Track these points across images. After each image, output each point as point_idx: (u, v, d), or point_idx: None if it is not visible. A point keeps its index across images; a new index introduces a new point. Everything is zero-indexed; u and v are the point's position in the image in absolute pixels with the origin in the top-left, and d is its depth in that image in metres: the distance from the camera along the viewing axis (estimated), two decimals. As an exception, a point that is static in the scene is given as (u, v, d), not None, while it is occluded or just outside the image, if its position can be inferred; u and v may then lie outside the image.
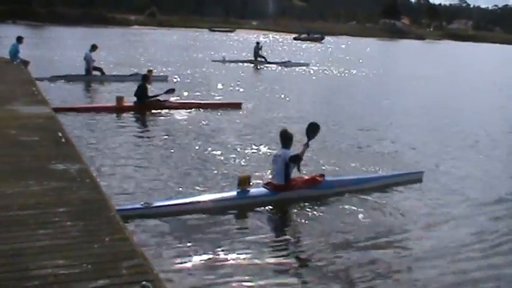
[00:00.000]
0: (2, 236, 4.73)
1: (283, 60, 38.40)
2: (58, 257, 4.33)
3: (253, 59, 36.86)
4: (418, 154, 13.19)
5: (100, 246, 4.60)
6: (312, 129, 9.57)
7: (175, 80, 24.98)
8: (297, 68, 35.70)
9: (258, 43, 38.02)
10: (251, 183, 8.95)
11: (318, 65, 39.68)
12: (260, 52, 36.95)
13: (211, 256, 6.76)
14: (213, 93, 21.81)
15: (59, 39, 55.33)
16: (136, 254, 4.48)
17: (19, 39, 22.65)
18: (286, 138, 9.23)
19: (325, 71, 35.74)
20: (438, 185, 10.58)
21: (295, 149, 9.27)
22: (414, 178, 10.62)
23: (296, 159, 9.01)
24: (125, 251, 4.53)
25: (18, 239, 4.67)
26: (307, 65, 37.92)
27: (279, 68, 35.18)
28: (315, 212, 8.67)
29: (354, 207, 8.93)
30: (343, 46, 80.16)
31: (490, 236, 8.18)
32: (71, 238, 4.75)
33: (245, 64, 35.78)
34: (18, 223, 5.03)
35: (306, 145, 9.33)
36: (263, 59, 36.78)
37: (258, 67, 35.15)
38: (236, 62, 36.66)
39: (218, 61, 36.21)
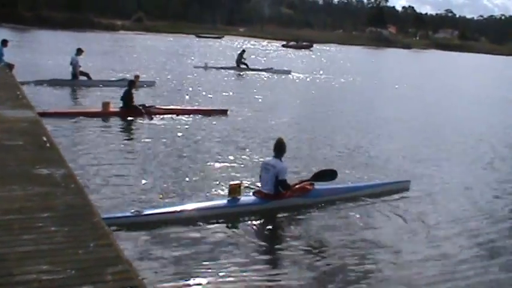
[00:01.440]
0: (-15, 241, 4.68)
1: (265, 67, 38.34)
2: (42, 263, 4.28)
3: (235, 65, 36.71)
4: (406, 162, 13.30)
5: (84, 251, 4.55)
6: (328, 176, 9.68)
7: (161, 86, 24.95)
8: (282, 75, 35.69)
9: (243, 50, 38.07)
10: (241, 192, 8.95)
11: (305, 72, 39.74)
12: (242, 59, 36.83)
13: (200, 265, 6.74)
14: (199, 99, 21.79)
15: (44, 43, 55.01)
16: (121, 260, 4.44)
17: (3, 43, 22.43)
18: (280, 149, 9.18)
19: (312, 79, 35.88)
20: (424, 194, 10.66)
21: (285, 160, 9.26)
22: (401, 187, 10.74)
23: (285, 188, 9.02)
24: (109, 256, 4.49)
25: (2, 244, 4.61)
26: (289, 72, 37.84)
27: (262, 74, 35.12)
28: (305, 221, 8.70)
29: (343, 216, 9.03)
30: (331, 54, 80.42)
31: (477, 245, 8.23)
32: (55, 243, 4.69)
33: (227, 71, 35.57)
34: (2, 228, 4.96)
35: (309, 184, 9.43)
36: (245, 66, 36.65)
37: (240, 74, 35.03)
38: (218, 68, 36.50)
39: (200, 67, 35.98)
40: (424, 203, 10.13)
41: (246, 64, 36.80)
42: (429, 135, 17.56)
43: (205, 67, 35.91)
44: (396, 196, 10.30)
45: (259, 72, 35.84)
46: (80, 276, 4.13)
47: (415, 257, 7.54)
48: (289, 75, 36.30)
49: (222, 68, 36.63)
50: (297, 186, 9.31)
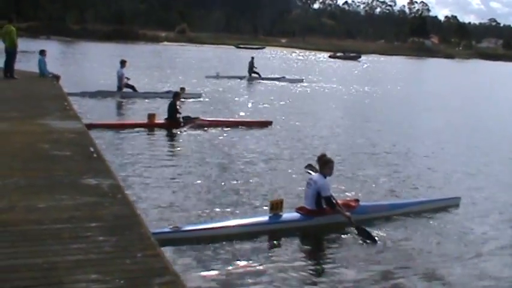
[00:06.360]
0: (36, 249, 4.78)
1: (277, 76, 38.37)
2: (91, 272, 4.35)
3: (247, 74, 36.47)
4: (456, 177, 12.90)
5: (132, 261, 4.61)
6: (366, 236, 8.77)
7: (207, 97, 24.98)
8: (316, 85, 35.79)
9: (252, 58, 37.70)
10: (283, 208, 8.67)
11: (355, 84, 39.47)
12: (254, 68, 36.58)
13: (240, 283, 6.64)
14: (244, 111, 21.78)
15: (90, 55, 56.02)
16: (168, 271, 4.48)
17: (42, 53, 22.68)
18: (322, 163, 8.89)
19: (362, 91, 35.60)
20: (476, 212, 10.23)
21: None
22: (451, 204, 10.30)
23: (330, 205, 8.68)
24: (157, 267, 4.53)
25: (52, 252, 4.71)
26: (301, 80, 38.01)
27: (279, 84, 35.14)
28: (349, 238, 8.43)
29: (388, 234, 8.67)
30: (379, 65, 79.45)
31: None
32: (104, 253, 4.77)
33: (239, 80, 35.49)
34: (52, 237, 5.06)
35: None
36: (257, 75, 36.44)
37: (252, 82, 34.91)
38: (230, 77, 36.16)
39: (212, 76, 35.42)
40: (475, 222, 9.67)
41: (257, 73, 36.61)
42: (480, 149, 17.08)
43: (217, 76, 35.38)
44: (445, 214, 9.91)
45: (273, 81, 35.82)
46: (128, 286, 4.19)
47: (460, 281, 7.24)
48: (301, 84, 36.51)
49: (233, 77, 36.36)
50: (340, 202, 8.96)
